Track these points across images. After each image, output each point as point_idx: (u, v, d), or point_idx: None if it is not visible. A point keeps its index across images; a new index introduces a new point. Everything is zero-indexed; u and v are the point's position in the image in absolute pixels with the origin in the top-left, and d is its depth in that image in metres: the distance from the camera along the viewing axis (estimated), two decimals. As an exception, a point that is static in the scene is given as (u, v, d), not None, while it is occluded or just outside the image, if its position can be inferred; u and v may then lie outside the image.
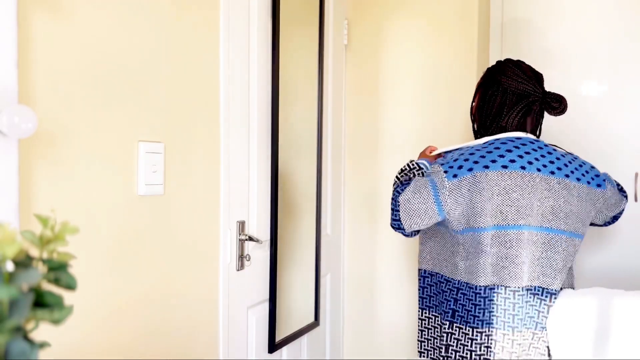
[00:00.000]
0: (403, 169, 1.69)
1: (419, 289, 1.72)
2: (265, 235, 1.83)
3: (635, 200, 2.31)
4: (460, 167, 1.55)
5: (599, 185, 1.66)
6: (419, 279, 1.72)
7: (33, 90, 1.06)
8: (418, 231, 1.62)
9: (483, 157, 1.56)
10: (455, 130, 2.31)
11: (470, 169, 1.54)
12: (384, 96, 2.45)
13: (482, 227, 1.54)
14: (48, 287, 0.60)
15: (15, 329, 0.55)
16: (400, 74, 2.44)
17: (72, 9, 1.15)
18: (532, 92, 1.64)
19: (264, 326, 1.83)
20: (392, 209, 1.60)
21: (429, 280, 1.70)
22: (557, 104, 1.63)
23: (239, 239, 1.71)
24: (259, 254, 1.81)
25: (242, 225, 1.72)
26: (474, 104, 1.78)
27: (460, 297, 1.59)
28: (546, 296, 1.59)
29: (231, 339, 1.68)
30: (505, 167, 1.54)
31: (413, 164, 1.67)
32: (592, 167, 1.70)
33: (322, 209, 2.20)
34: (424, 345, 1.70)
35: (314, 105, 2.11)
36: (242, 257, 1.72)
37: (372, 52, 2.47)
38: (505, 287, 1.56)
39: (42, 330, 0.69)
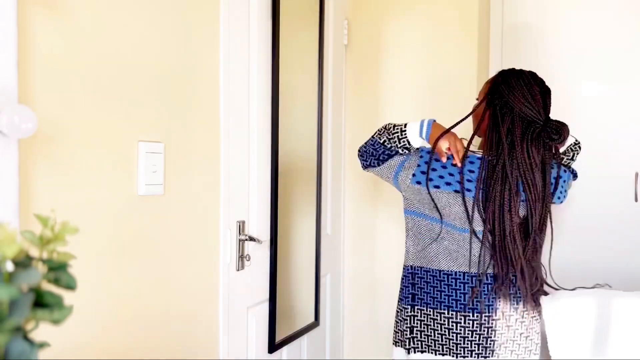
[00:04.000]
0: (393, 132, 1.69)
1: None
2: (265, 235, 1.83)
3: (636, 200, 2.31)
4: (430, 180, 1.67)
5: None
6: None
7: (33, 90, 1.06)
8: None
9: (451, 173, 1.67)
10: (456, 129, 2.30)
11: (437, 187, 1.68)
12: (384, 96, 2.45)
13: (434, 217, 1.69)
14: (48, 287, 0.60)
15: (15, 329, 0.55)
16: (400, 73, 2.44)
17: (72, 9, 1.15)
18: (534, 119, 1.60)
19: (264, 326, 1.83)
20: (362, 149, 1.75)
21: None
22: (557, 137, 1.58)
23: (239, 239, 1.71)
24: (259, 254, 1.81)
25: (242, 225, 1.72)
26: (476, 111, 1.78)
27: (418, 280, 1.74)
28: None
29: (231, 339, 1.68)
30: (468, 190, 1.67)
31: (402, 140, 1.68)
32: None
33: (322, 208, 2.20)
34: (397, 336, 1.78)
35: (314, 105, 2.11)
36: (242, 257, 1.72)
37: (372, 52, 2.47)
38: (464, 272, 1.68)
39: (42, 330, 0.69)
